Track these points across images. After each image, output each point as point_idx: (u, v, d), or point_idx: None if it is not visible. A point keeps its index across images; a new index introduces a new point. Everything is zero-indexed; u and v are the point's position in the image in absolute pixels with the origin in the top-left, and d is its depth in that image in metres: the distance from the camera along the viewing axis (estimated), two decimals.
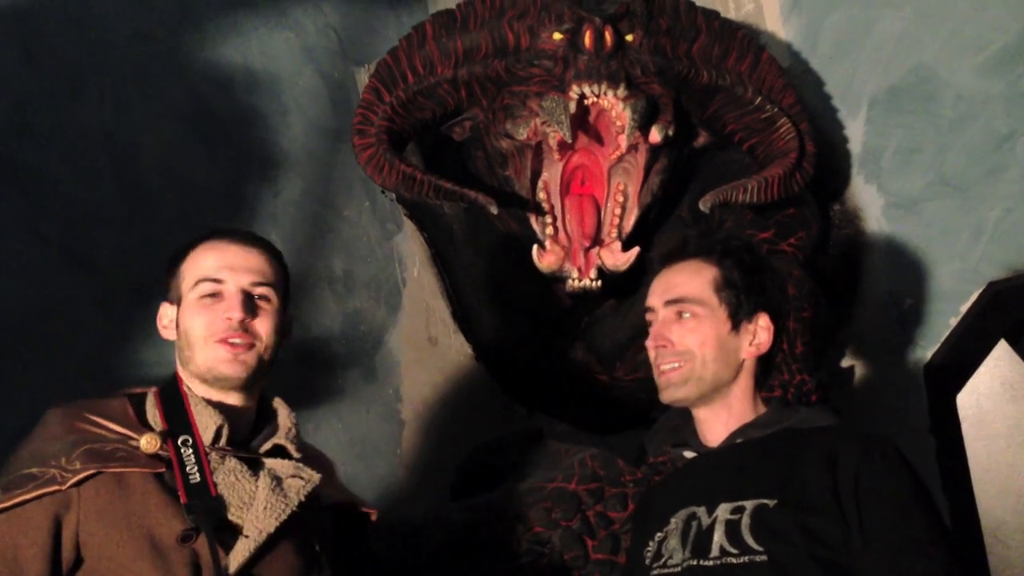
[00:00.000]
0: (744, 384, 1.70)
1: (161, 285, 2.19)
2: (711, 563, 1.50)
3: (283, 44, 2.71)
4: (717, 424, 1.69)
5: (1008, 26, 2.58)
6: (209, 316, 1.52)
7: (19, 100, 2.01)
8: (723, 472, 1.62)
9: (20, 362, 1.92)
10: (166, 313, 1.60)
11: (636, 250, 2.58)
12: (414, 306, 2.96)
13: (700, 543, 1.53)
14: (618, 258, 2.58)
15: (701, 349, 1.66)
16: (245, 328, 1.53)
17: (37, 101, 2.04)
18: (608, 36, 2.47)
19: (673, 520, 1.61)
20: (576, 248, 2.61)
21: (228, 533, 1.42)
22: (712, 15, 2.74)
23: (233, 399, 1.55)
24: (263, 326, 1.55)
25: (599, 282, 2.56)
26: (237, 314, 1.52)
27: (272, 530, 1.43)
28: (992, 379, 3.59)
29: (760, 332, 1.69)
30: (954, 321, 2.71)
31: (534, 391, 3.15)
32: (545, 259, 2.57)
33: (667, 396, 1.70)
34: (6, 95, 1.99)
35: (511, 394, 3.16)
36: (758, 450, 1.62)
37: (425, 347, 2.95)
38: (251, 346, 1.54)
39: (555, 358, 3.01)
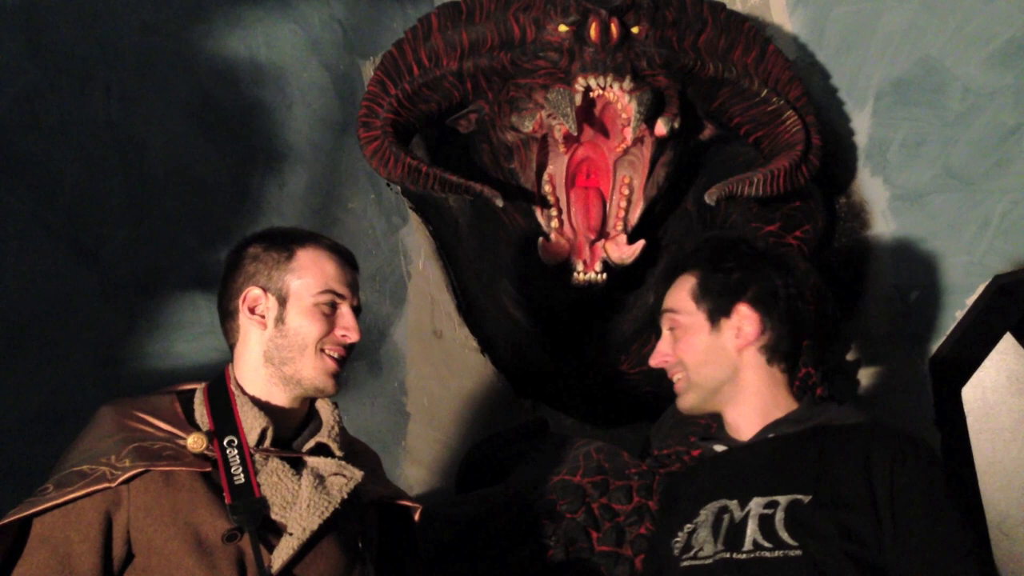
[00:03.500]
0: (755, 376, 1.69)
1: (167, 277, 2.22)
2: (744, 556, 1.50)
3: (288, 37, 2.70)
4: (741, 420, 1.69)
5: (1015, 18, 2.57)
6: (327, 326, 1.56)
7: (25, 93, 2.01)
8: (755, 467, 1.62)
9: (26, 354, 1.93)
10: (261, 301, 1.57)
11: (641, 243, 2.58)
12: (419, 299, 2.96)
13: (733, 536, 1.54)
14: (623, 251, 2.58)
15: (689, 357, 1.71)
16: (350, 348, 1.59)
17: (43, 94, 2.04)
18: (614, 28, 2.46)
19: (703, 512, 1.62)
20: (581, 241, 2.61)
21: (271, 532, 1.45)
22: (718, 7, 2.73)
23: (288, 401, 1.58)
24: (353, 347, 1.61)
25: (604, 275, 2.57)
26: (355, 336, 1.58)
27: (315, 527, 1.46)
28: (997, 372, 3.59)
29: (744, 323, 1.69)
30: (960, 314, 2.71)
31: (539, 384, 3.15)
32: (550, 252, 2.57)
33: (679, 406, 1.76)
34: (12, 88, 1.99)
35: (516, 387, 3.16)
36: (790, 446, 1.62)
37: (430, 340, 2.95)
38: (347, 362, 1.60)
39: (560, 351, 3.02)
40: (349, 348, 1.59)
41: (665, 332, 1.77)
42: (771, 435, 1.65)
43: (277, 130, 2.62)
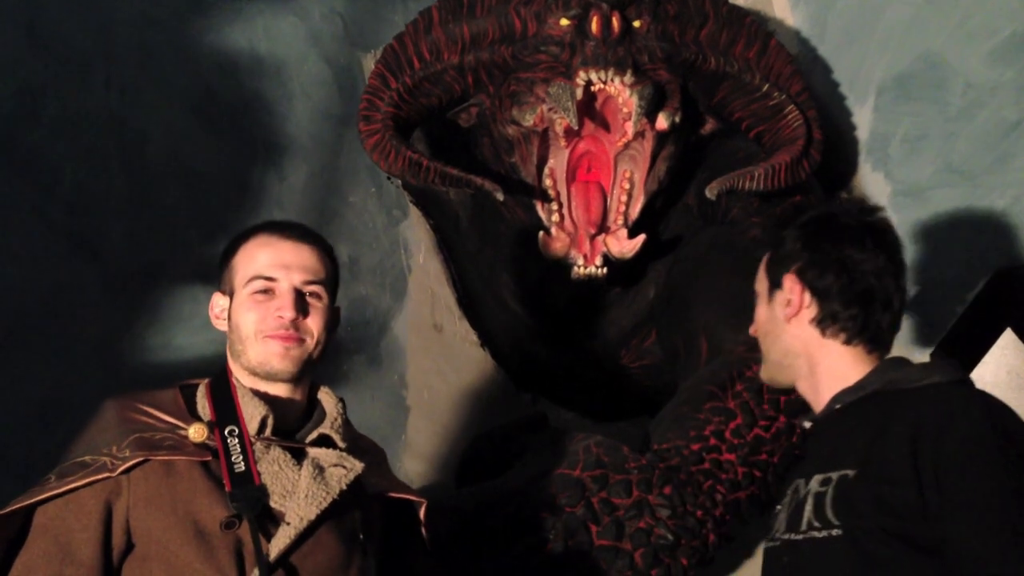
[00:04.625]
0: (813, 349, 1.65)
1: (167, 270, 2.22)
2: (800, 537, 1.49)
3: (289, 29, 2.70)
4: (811, 393, 1.67)
5: (1018, 13, 2.56)
6: (261, 313, 1.55)
7: (25, 86, 2.01)
8: (820, 442, 1.61)
9: (26, 347, 1.93)
10: (218, 303, 1.62)
11: (642, 237, 2.58)
12: (419, 293, 2.96)
13: (795, 517, 1.53)
14: (624, 245, 2.58)
15: (759, 332, 1.75)
16: (296, 326, 1.56)
17: (43, 87, 2.04)
18: (615, 22, 2.46)
19: (788, 493, 1.62)
20: (582, 235, 2.61)
21: (270, 521, 1.45)
22: (720, 1, 2.73)
23: (281, 391, 1.58)
24: (314, 323, 1.58)
25: (604, 269, 2.56)
26: (289, 313, 1.55)
27: (312, 518, 1.46)
28: (998, 368, 3.58)
29: (791, 295, 1.66)
30: (961, 309, 2.71)
31: (539, 378, 3.15)
32: (551, 246, 2.57)
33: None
34: (12, 80, 1.99)
35: (516, 381, 3.16)
36: (850, 416, 1.57)
37: (430, 334, 2.95)
38: (301, 342, 1.56)
39: (560, 345, 3.02)
40: (300, 327, 1.57)
41: None
42: (837, 406, 1.61)
43: (277, 123, 2.62)
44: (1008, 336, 2.99)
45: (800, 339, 1.66)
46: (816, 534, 1.46)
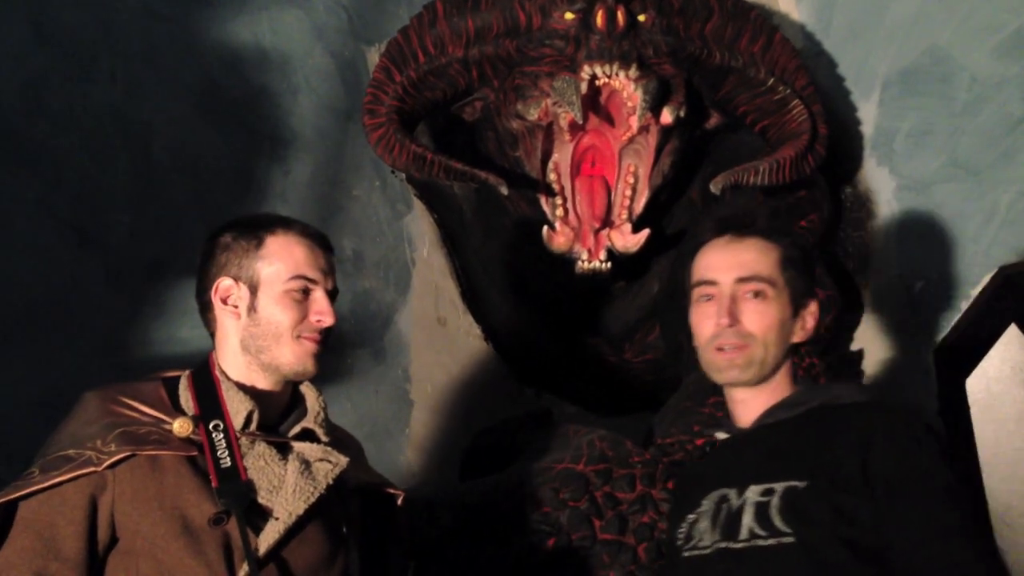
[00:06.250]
0: (787, 366, 1.67)
1: (172, 263, 2.22)
2: (740, 545, 1.49)
3: (293, 23, 2.70)
4: (755, 405, 1.66)
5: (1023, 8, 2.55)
6: (300, 313, 1.54)
7: (30, 79, 2.01)
8: (754, 454, 1.60)
9: (32, 340, 1.94)
10: (233, 292, 1.56)
11: (646, 232, 2.58)
12: (423, 286, 2.96)
13: (729, 526, 1.52)
14: (628, 240, 2.58)
15: (766, 333, 1.62)
16: (328, 331, 1.58)
17: (48, 80, 2.05)
18: (620, 16, 2.45)
19: (704, 502, 1.60)
20: (586, 230, 2.60)
21: (258, 516, 1.45)
22: None
23: (270, 386, 1.57)
24: (331, 328, 1.59)
25: (609, 264, 2.56)
26: (330, 320, 1.56)
27: (301, 513, 1.46)
28: (1002, 363, 3.57)
29: (808, 318, 1.67)
30: (965, 305, 2.70)
31: (543, 372, 3.15)
32: (555, 240, 2.57)
33: (727, 377, 1.66)
34: (17, 74, 1.99)
35: (520, 375, 3.17)
36: (789, 430, 1.59)
37: (434, 328, 2.96)
38: (327, 345, 1.58)
39: (564, 340, 3.02)
40: (326, 331, 1.57)
41: (739, 292, 1.64)
42: (769, 420, 1.63)
43: (282, 117, 2.62)
44: (1012, 332, 2.98)
45: (787, 360, 1.68)
46: (762, 542, 1.47)
